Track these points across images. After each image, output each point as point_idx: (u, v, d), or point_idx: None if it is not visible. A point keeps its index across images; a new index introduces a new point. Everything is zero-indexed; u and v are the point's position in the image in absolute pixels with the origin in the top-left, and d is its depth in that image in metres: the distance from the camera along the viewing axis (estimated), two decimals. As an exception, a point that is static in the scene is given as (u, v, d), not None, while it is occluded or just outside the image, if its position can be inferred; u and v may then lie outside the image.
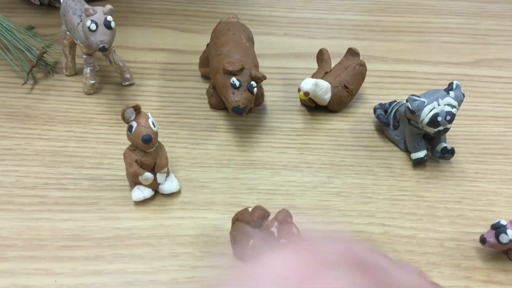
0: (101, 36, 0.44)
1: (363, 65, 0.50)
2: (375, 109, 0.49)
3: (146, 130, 0.38)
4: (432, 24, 0.64)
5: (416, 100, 0.41)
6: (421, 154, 0.44)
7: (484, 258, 0.38)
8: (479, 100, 0.53)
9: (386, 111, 0.48)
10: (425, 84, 0.54)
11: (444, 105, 0.41)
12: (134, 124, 0.38)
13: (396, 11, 0.66)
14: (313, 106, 0.50)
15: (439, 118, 0.41)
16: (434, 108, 0.41)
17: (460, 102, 0.41)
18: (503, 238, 0.35)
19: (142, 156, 0.39)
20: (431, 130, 0.42)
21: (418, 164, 0.45)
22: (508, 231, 0.35)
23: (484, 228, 0.40)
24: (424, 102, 0.41)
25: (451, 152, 0.44)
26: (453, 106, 0.41)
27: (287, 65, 0.57)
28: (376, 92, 0.53)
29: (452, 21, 0.65)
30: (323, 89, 0.48)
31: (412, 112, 0.41)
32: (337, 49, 0.55)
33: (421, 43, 0.61)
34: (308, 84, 0.47)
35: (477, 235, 0.40)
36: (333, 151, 0.47)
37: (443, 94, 0.41)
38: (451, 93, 0.41)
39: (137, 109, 0.38)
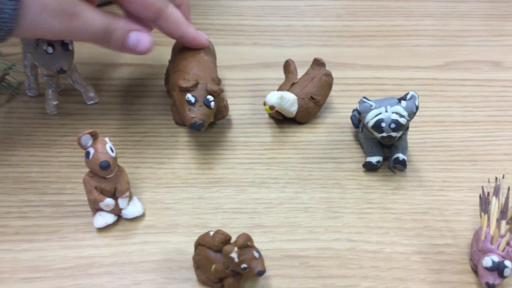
0: (58, 59, 0.44)
1: (329, 75, 0.50)
2: (353, 110, 0.49)
3: (104, 156, 0.37)
4: (402, 27, 0.64)
5: (364, 102, 0.42)
6: (373, 159, 0.44)
7: (450, 271, 0.38)
8: (447, 104, 0.53)
9: None
10: (394, 90, 0.54)
11: (392, 112, 0.41)
12: (91, 150, 0.37)
13: (366, 15, 0.65)
14: (280, 119, 0.49)
15: (383, 124, 0.41)
16: (380, 113, 0.41)
17: (411, 113, 0.41)
18: (507, 272, 0.34)
19: (101, 182, 0.38)
20: (377, 135, 0.42)
21: (366, 167, 0.45)
22: (506, 262, 0.34)
23: (450, 239, 0.40)
24: (371, 105, 0.42)
25: (402, 163, 0.44)
26: (401, 116, 0.41)
27: (256, 75, 0.56)
28: (344, 100, 0.53)
29: (422, 23, 0.65)
30: (289, 101, 0.47)
31: (359, 113, 0.43)
32: (305, 57, 0.55)
33: (391, 47, 0.61)
34: (273, 97, 0.47)
35: (443, 247, 0.40)
36: (300, 164, 0.46)
37: (395, 102, 0.42)
38: (403, 103, 0.41)
39: (93, 135, 0.38)
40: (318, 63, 0.51)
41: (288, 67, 0.51)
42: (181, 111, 0.44)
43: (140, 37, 0.42)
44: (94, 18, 0.39)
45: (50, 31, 0.38)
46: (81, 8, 0.39)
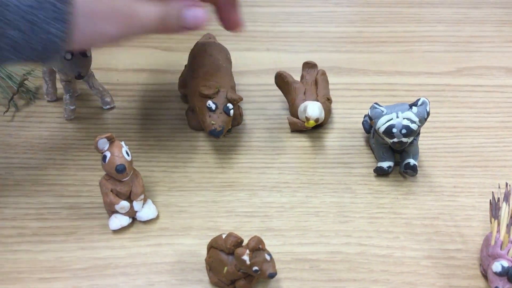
0: (76, 65, 0.45)
1: (324, 73, 0.52)
2: (365, 116, 0.49)
3: (120, 160, 0.38)
4: (414, 33, 0.64)
5: (376, 108, 0.43)
6: (385, 164, 0.45)
7: (460, 276, 0.38)
8: (459, 110, 0.53)
9: None
10: (405, 96, 0.54)
11: (403, 118, 0.41)
12: (108, 154, 0.38)
13: (378, 21, 0.66)
14: (308, 129, 0.49)
15: (394, 130, 0.41)
16: (391, 119, 0.42)
17: (422, 119, 0.42)
18: None
19: (117, 185, 0.39)
20: (388, 141, 0.43)
21: (377, 172, 0.45)
22: None
23: (461, 245, 0.40)
24: (383, 111, 0.42)
25: (413, 168, 0.44)
26: (412, 121, 0.41)
27: (269, 81, 0.56)
28: (356, 106, 0.53)
29: (434, 29, 0.65)
30: (320, 109, 0.47)
31: (370, 118, 0.43)
32: (318, 62, 0.55)
33: (403, 53, 0.61)
34: (316, 110, 0.46)
35: (453, 252, 0.40)
36: (312, 169, 0.47)
37: (406, 108, 0.42)
38: (414, 109, 0.42)
39: (110, 139, 0.39)
40: (310, 65, 0.52)
41: (284, 78, 0.51)
42: (200, 117, 0.45)
43: (196, 14, 0.38)
44: (148, 10, 0.36)
45: (107, 38, 0.35)
46: (133, 5, 0.35)
